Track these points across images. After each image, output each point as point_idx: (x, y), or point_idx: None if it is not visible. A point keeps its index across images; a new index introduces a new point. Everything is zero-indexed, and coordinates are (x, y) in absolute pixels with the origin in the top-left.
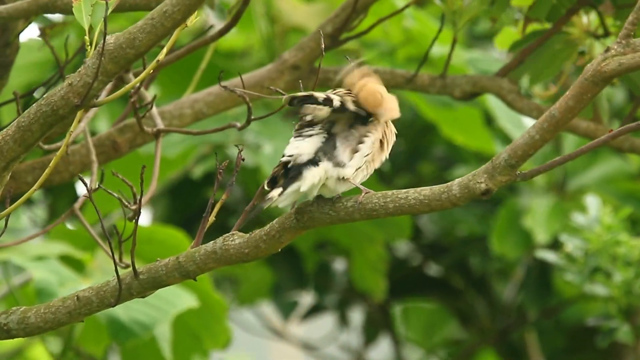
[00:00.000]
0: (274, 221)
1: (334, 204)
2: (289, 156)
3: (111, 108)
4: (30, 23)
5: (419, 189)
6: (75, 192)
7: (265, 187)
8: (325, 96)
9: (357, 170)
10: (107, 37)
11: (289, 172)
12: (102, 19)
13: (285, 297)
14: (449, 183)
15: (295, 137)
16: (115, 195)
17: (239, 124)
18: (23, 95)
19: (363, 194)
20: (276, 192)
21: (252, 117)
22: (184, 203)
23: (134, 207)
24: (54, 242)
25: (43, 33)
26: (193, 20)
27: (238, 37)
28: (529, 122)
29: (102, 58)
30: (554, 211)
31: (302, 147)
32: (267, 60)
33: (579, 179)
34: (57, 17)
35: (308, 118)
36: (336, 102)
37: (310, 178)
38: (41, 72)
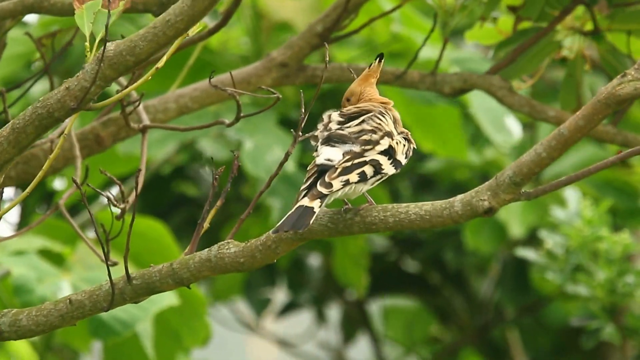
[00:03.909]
0: (270, 231)
1: (332, 216)
2: (326, 160)
3: None
4: (17, 22)
5: (419, 203)
6: (45, 187)
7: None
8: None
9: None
10: (108, 44)
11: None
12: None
13: (257, 294)
14: (451, 199)
15: (324, 143)
16: (104, 194)
17: (227, 121)
18: (9, 89)
19: (363, 206)
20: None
21: (241, 115)
22: (154, 197)
23: (122, 205)
24: (33, 236)
25: (40, 42)
26: (195, 30)
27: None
28: (512, 124)
29: (102, 64)
30: (529, 203)
31: (333, 154)
32: (252, 54)
33: (554, 167)
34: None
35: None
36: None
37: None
38: (24, 64)
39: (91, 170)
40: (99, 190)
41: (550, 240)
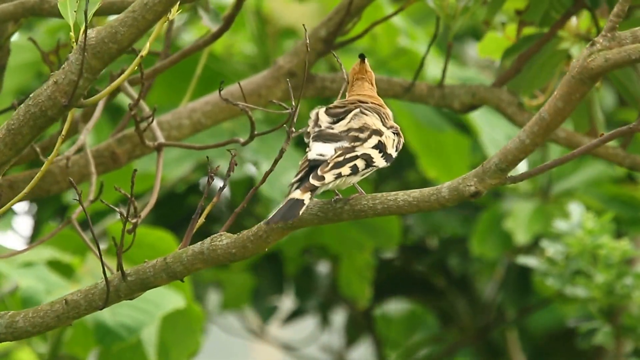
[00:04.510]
0: (262, 221)
1: (322, 206)
2: (318, 155)
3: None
4: (19, 26)
5: (408, 191)
6: (59, 202)
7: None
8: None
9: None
10: (89, 31)
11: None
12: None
13: (265, 302)
14: (438, 186)
15: (315, 140)
16: (117, 209)
17: (241, 140)
18: (20, 102)
19: (353, 196)
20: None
21: (255, 133)
22: (168, 213)
23: (134, 220)
24: (43, 247)
25: (47, 57)
26: (175, 13)
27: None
28: None
29: (85, 53)
30: (536, 213)
31: (325, 150)
32: (258, 61)
33: (564, 183)
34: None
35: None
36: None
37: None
38: (32, 73)
39: (108, 185)
40: (111, 205)
41: (551, 249)
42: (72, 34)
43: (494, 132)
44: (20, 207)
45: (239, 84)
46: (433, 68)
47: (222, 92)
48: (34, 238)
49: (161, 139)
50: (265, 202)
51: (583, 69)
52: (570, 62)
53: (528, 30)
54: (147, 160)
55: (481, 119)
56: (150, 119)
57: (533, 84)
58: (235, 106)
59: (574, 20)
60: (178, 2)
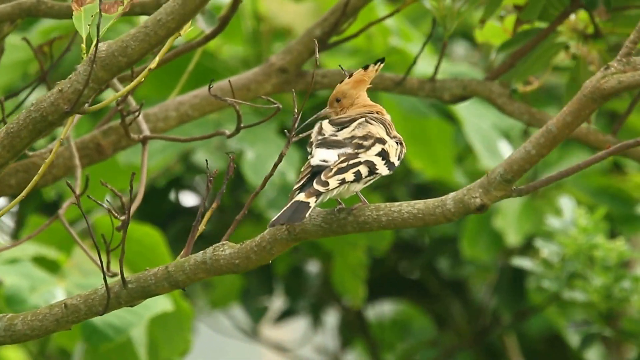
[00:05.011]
0: (265, 232)
1: (326, 216)
2: (321, 161)
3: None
4: (15, 27)
5: (412, 202)
6: (42, 198)
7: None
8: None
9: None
10: (99, 44)
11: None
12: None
13: (255, 302)
14: (443, 197)
15: (319, 146)
16: (105, 205)
17: (227, 132)
18: (7, 97)
19: (356, 205)
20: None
21: (242, 125)
22: (152, 208)
23: (122, 217)
24: (28, 242)
25: (40, 50)
26: (187, 30)
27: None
28: (505, 149)
29: (94, 65)
30: (525, 210)
31: (328, 156)
32: (252, 59)
33: (550, 174)
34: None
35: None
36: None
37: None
38: (24, 71)
39: (94, 179)
40: (98, 202)
41: (546, 250)
42: (83, 45)
43: (481, 121)
44: (3, 201)
45: (229, 81)
46: (424, 65)
47: (211, 89)
48: (18, 232)
49: (146, 132)
50: (252, 192)
51: (595, 89)
52: (568, 53)
53: (526, 26)
54: (132, 152)
55: (467, 109)
56: (137, 112)
57: (527, 74)
58: (223, 101)
59: (572, 15)
60: (191, 19)
